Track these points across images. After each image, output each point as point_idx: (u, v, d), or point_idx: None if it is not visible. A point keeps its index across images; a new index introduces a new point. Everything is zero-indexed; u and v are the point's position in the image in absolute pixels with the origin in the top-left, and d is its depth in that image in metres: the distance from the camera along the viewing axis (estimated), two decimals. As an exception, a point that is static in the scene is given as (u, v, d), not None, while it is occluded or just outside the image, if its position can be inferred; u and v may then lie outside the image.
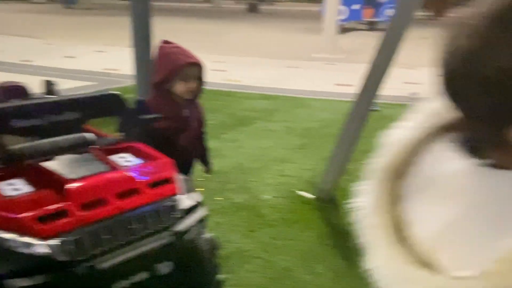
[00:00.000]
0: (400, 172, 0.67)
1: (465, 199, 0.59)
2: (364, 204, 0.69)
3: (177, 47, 1.91)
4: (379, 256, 0.63)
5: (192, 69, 1.87)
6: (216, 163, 3.57)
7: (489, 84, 0.53)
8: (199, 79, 1.91)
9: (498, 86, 0.52)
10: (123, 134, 1.85)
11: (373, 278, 0.64)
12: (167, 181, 1.62)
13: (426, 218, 0.62)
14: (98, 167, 1.60)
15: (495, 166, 0.56)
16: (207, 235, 1.81)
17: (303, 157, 3.76)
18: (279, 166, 3.57)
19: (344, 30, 12.72)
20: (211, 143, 3.97)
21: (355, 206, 0.70)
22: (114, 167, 1.61)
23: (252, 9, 22.25)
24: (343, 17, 12.52)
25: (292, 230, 2.63)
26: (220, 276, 1.85)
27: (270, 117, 4.92)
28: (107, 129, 2.08)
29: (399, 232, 0.63)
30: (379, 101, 5.27)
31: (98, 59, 8.23)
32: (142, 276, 1.53)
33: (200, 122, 2.13)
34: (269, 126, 4.61)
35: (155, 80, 1.88)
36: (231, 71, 7.31)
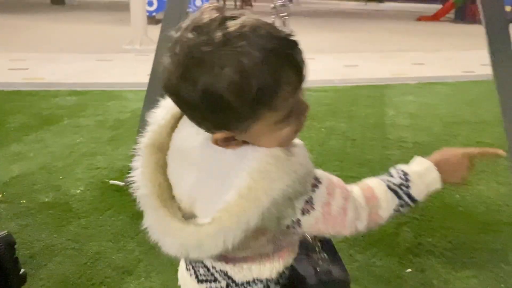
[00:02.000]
0: (160, 146, 0.83)
1: (201, 167, 0.78)
2: (135, 177, 0.84)
3: None
4: (149, 217, 0.80)
5: None
6: (19, 166, 3.41)
7: (188, 106, 0.71)
8: None
9: (194, 109, 0.70)
10: None
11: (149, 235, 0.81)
12: None
13: (181, 181, 0.81)
14: None
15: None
16: (0, 233, 1.81)
17: (115, 148, 3.84)
18: (90, 160, 3.57)
19: (156, 21, 12.80)
20: (13, 147, 3.76)
21: (131, 180, 0.84)
22: None
23: (57, 1, 20.52)
24: (153, 8, 12.57)
25: (104, 217, 2.72)
26: (22, 271, 1.87)
27: (79, 113, 4.80)
28: None
29: (163, 195, 0.80)
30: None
31: None
32: None
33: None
34: (78, 122, 4.51)
35: None
36: (33, 69, 6.77)
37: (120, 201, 2.91)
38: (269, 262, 0.87)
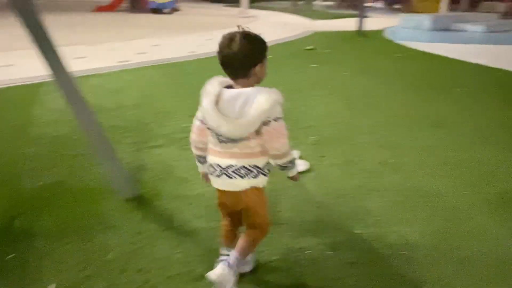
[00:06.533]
0: (217, 96, 1.72)
1: (242, 99, 1.68)
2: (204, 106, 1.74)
3: None
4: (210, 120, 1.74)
5: None
6: None
7: (231, 62, 1.70)
8: None
9: (234, 61, 1.70)
10: None
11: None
12: None
13: (231, 107, 1.71)
14: None
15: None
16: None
17: None
18: None
19: None
20: None
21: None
22: None
23: None
24: None
25: None
26: None
27: None
28: None
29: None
30: None
31: None
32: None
33: None
34: None
35: None
36: None
37: None
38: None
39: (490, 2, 23.83)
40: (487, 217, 2.73)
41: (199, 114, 1.84)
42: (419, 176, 3.32)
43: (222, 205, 1.97)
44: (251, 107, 1.65)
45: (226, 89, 1.73)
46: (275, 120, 1.69)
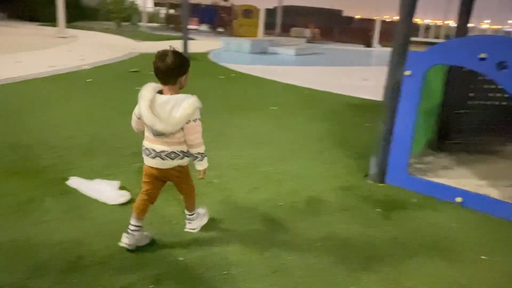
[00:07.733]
0: (151, 100, 2.36)
1: (171, 104, 2.37)
2: (141, 107, 2.38)
3: None
4: (146, 120, 2.37)
5: None
6: None
7: (163, 72, 2.38)
8: None
9: (166, 71, 2.38)
10: None
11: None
12: None
13: (162, 110, 2.38)
14: None
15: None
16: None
17: None
18: None
19: None
20: None
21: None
22: None
23: None
24: None
25: None
26: None
27: None
28: None
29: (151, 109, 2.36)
30: None
31: None
32: None
33: None
34: None
35: None
36: None
37: None
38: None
39: (298, 28, 27.18)
40: (294, 225, 3.02)
41: (136, 111, 2.46)
42: (240, 193, 3.50)
43: (151, 176, 2.56)
44: (178, 111, 2.34)
45: (158, 95, 2.38)
46: (194, 120, 2.40)
